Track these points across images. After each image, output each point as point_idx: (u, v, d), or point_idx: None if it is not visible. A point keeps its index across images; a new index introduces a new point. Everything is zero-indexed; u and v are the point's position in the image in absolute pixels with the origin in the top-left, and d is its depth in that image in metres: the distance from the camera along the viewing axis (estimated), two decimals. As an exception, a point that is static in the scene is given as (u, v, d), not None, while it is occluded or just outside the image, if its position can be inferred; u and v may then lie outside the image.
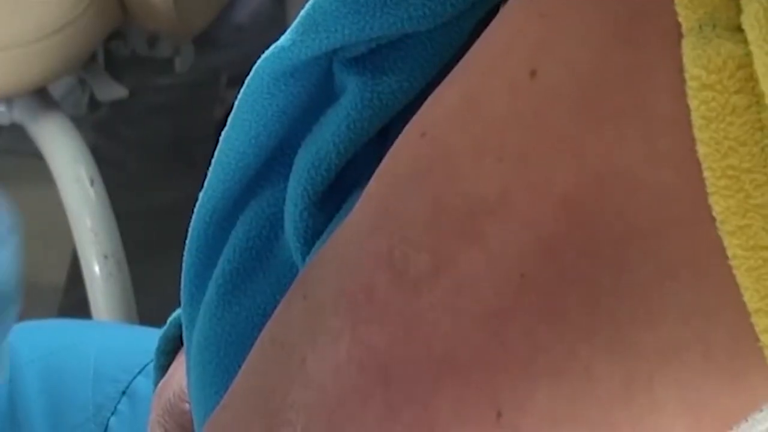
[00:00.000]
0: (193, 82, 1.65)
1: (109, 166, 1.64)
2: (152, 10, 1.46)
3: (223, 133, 0.54)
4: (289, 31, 0.48)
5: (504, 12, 0.45)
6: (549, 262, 0.39)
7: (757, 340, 0.37)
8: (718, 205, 0.37)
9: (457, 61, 0.49)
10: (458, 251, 0.41)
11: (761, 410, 0.38)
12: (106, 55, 1.71)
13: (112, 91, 1.64)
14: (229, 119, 0.53)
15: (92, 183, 1.52)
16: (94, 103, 1.73)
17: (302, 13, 0.48)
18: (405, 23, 0.48)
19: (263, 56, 0.49)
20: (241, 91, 0.51)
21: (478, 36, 0.51)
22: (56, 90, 1.71)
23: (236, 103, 0.52)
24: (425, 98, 0.46)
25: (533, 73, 0.41)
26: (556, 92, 0.40)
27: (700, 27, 0.38)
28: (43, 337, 0.97)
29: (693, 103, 0.37)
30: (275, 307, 0.50)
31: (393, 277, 0.42)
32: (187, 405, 0.72)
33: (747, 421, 0.38)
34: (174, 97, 1.68)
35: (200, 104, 1.65)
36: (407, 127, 0.45)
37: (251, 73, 0.50)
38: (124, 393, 0.92)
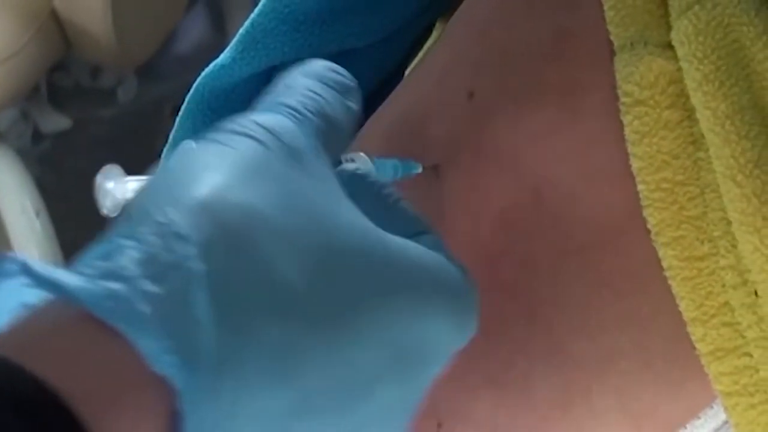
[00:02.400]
0: (136, 113, 1.64)
1: (55, 197, 1.63)
2: (94, 42, 1.45)
3: (164, 150, 0.54)
4: (228, 48, 0.49)
5: (447, 30, 0.45)
6: (488, 276, 0.39)
7: (694, 348, 0.37)
8: (652, 217, 0.38)
9: (397, 74, 0.50)
10: None
11: (699, 417, 0.38)
12: (50, 86, 1.70)
13: (56, 122, 1.63)
14: (170, 136, 0.53)
15: (38, 215, 1.50)
16: (37, 135, 1.72)
17: (241, 30, 0.48)
18: (344, 40, 0.48)
19: (203, 73, 0.50)
20: (182, 108, 0.51)
21: (418, 49, 0.52)
22: (0, 122, 1.70)
23: (177, 120, 0.52)
24: (366, 111, 0.45)
25: (471, 95, 0.42)
26: (492, 112, 0.41)
27: (632, 44, 0.39)
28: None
29: (626, 119, 0.38)
30: None
31: None
32: None
33: (686, 428, 0.38)
34: (117, 128, 1.67)
35: (144, 135, 1.64)
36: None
37: (191, 91, 0.50)
38: None
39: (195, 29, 1.71)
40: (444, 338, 0.31)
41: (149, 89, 1.64)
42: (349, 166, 0.35)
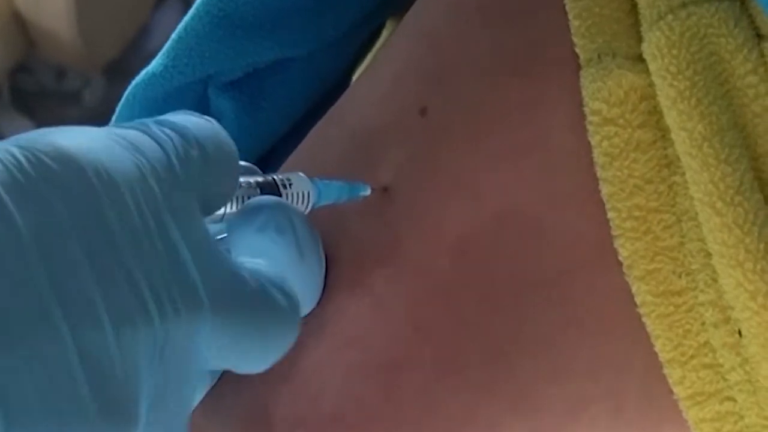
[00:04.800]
0: (104, 116, 1.61)
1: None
2: (58, 41, 1.43)
3: None
4: (160, 55, 0.47)
5: (393, 40, 0.44)
6: (445, 313, 0.38)
7: (671, 392, 0.36)
8: (624, 248, 0.36)
9: (342, 83, 0.48)
10: (347, 303, 0.39)
11: (675, 466, 0.37)
12: (12, 90, 1.67)
13: (19, 127, 1.59)
14: None
15: (1, 221, 1.47)
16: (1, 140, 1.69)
17: (173, 36, 0.46)
18: (284, 46, 0.47)
19: (133, 83, 0.47)
20: (112, 120, 0.49)
21: (362, 57, 0.50)
22: (-38, 127, 1.67)
23: None
24: (308, 124, 0.45)
25: (423, 111, 0.40)
26: (449, 130, 0.39)
27: (599, 57, 0.37)
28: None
29: (594, 139, 0.36)
30: None
31: None
32: None
33: (661, 477, 0.37)
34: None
35: None
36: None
37: (122, 101, 0.48)
38: None
39: (168, 24, 1.68)
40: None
41: (118, 90, 1.61)
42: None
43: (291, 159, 0.43)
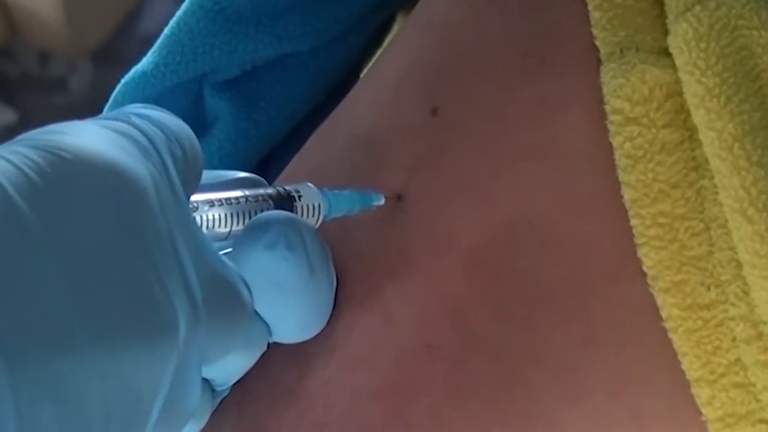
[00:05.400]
0: (91, 104, 1.60)
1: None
2: (42, 24, 1.41)
3: None
4: (151, 52, 0.46)
5: (401, 34, 0.42)
6: (457, 330, 0.36)
7: (699, 413, 0.34)
8: (648, 258, 0.34)
9: (347, 81, 0.47)
10: (356, 320, 0.37)
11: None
12: (-6, 77, 1.66)
13: (2, 115, 1.58)
14: None
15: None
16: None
17: (166, 31, 0.45)
18: (283, 42, 0.46)
19: (122, 82, 0.46)
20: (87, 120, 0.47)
21: (370, 53, 0.49)
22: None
23: None
24: (310, 127, 0.43)
25: (434, 111, 0.38)
26: (461, 131, 0.38)
27: (622, 51, 0.36)
28: None
29: (616, 141, 0.35)
30: None
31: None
32: None
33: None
34: (70, 120, 1.62)
35: None
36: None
37: (110, 101, 0.47)
38: None
39: (160, 6, 1.67)
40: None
41: (107, 76, 1.60)
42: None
43: (291, 165, 0.42)
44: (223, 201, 0.35)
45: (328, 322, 0.37)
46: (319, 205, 0.36)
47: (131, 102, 0.45)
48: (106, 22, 1.58)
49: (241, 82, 0.46)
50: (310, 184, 0.36)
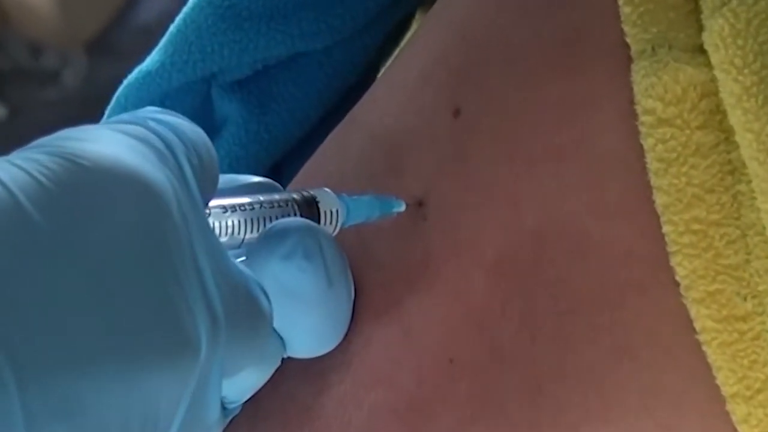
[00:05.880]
0: (85, 98, 1.60)
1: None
2: (34, 15, 1.41)
3: None
4: (156, 50, 0.45)
5: (421, 31, 0.41)
6: (481, 343, 0.36)
7: (735, 431, 0.34)
8: (681, 267, 0.34)
9: (363, 81, 0.46)
10: (375, 333, 0.37)
11: None
12: (-16, 70, 1.66)
13: (-8, 110, 1.58)
14: None
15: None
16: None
17: (171, 29, 0.45)
18: (296, 41, 0.45)
19: (125, 82, 0.46)
20: (100, 123, 0.47)
21: (387, 54, 0.48)
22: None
23: None
24: (324, 129, 0.43)
25: (457, 113, 0.38)
26: (484, 133, 0.37)
27: (653, 48, 0.35)
28: None
29: (648, 143, 0.34)
30: None
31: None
32: None
33: None
34: (63, 116, 1.62)
35: (95, 122, 1.60)
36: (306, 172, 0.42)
37: (112, 102, 0.46)
38: None
39: None
40: None
41: (101, 69, 1.60)
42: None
43: (306, 169, 0.41)
44: (237, 207, 0.34)
45: (346, 335, 0.37)
46: (337, 212, 0.36)
47: (134, 104, 0.45)
48: (100, 13, 1.57)
49: (252, 83, 0.46)
50: (327, 189, 0.36)
